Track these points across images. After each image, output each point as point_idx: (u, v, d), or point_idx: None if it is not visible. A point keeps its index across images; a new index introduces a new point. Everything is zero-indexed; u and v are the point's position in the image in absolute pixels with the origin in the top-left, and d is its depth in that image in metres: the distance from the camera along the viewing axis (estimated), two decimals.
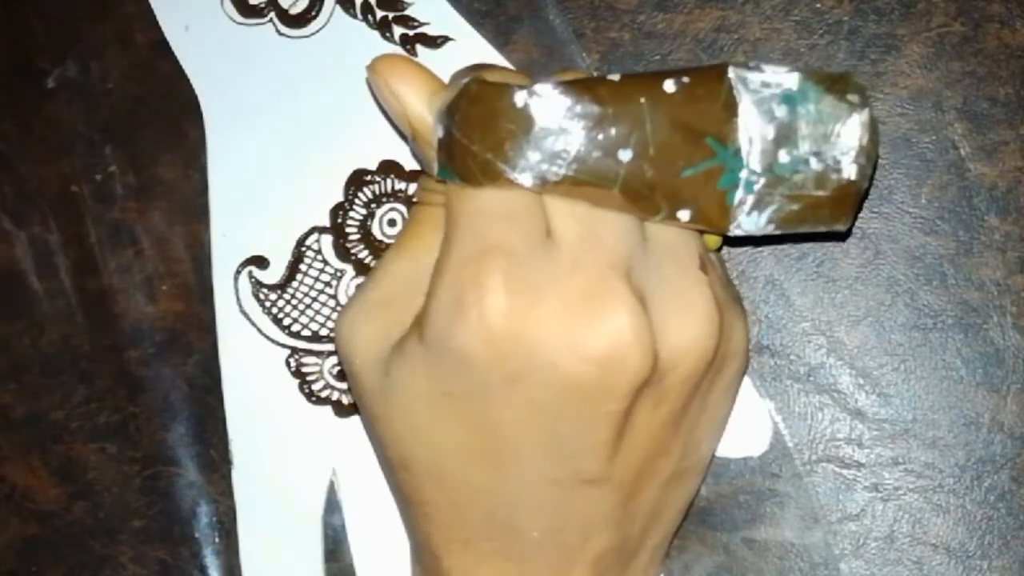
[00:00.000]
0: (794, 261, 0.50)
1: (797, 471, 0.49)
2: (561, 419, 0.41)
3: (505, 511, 0.42)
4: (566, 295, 0.40)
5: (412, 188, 0.51)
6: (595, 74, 0.49)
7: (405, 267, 0.43)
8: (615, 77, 0.41)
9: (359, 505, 0.50)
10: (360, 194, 0.51)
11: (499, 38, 0.50)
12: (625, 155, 0.40)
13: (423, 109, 0.42)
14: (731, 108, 0.41)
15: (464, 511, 0.43)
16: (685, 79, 0.41)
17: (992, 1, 0.49)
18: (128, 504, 0.51)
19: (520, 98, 0.40)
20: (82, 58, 0.52)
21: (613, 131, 0.40)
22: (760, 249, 0.50)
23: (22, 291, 0.52)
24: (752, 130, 0.41)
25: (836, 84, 0.42)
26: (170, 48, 0.51)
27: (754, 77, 0.41)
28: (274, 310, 0.51)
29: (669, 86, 0.41)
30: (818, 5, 0.50)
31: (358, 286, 0.45)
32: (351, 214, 0.51)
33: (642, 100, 0.40)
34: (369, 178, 0.51)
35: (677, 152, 0.41)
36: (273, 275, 0.51)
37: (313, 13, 0.51)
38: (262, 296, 0.51)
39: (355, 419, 0.50)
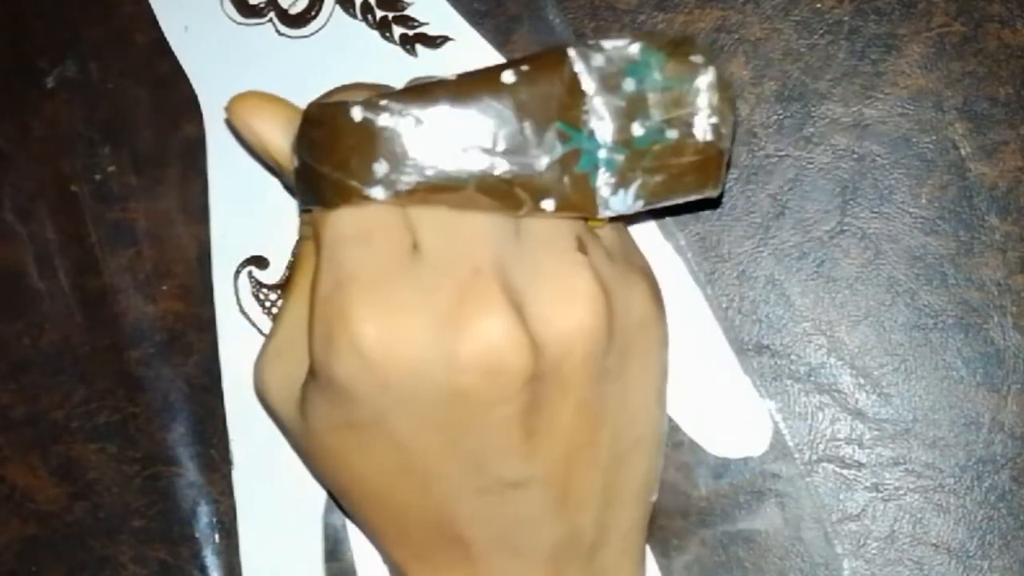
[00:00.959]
0: (794, 261, 0.50)
1: (797, 471, 0.49)
2: (462, 432, 0.40)
3: (446, 524, 0.42)
4: (434, 307, 0.39)
5: None
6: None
7: (298, 306, 0.43)
8: (452, 77, 0.40)
9: None
10: None
11: (499, 38, 0.50)
12: (474, 153, 0.40)
13: (282, 141, 0.42)
14: (576, 90, 0.40)
15: (409, 528, 0.43)
16: (524, 67, 0.40)
17: (992, 1, 0.49)
18: (128, 504, 0.51)
19: (358, 112, 0.40)
20: (82, 58, 0.52)
21: (458, 131, 0.40)
22: (760, 249, 0.50)
23: (22, 291, 0.52)
24: (602, 108, 0.40)
25: (679, 48, 0.41)
26: (170, 48, 0.51)
27: (595, 55, 0.40)
28: (274, 310, 0.51)
29: (508, 77, 0.40)
30: (818, 5, 0.50)
31: (266, 336, 0.45)
32: None
33: (483, 95, 0.40)
34: None
35: (528, 143, 0.40)
36: (273, 275, 0.51)
37: (313, 13, 0.51)
38: (262, 296, 0.51)
39: None
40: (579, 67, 0.40)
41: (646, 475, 0.45)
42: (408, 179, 0.40)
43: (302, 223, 0.44)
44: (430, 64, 0.50)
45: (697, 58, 0.41)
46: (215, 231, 0.51)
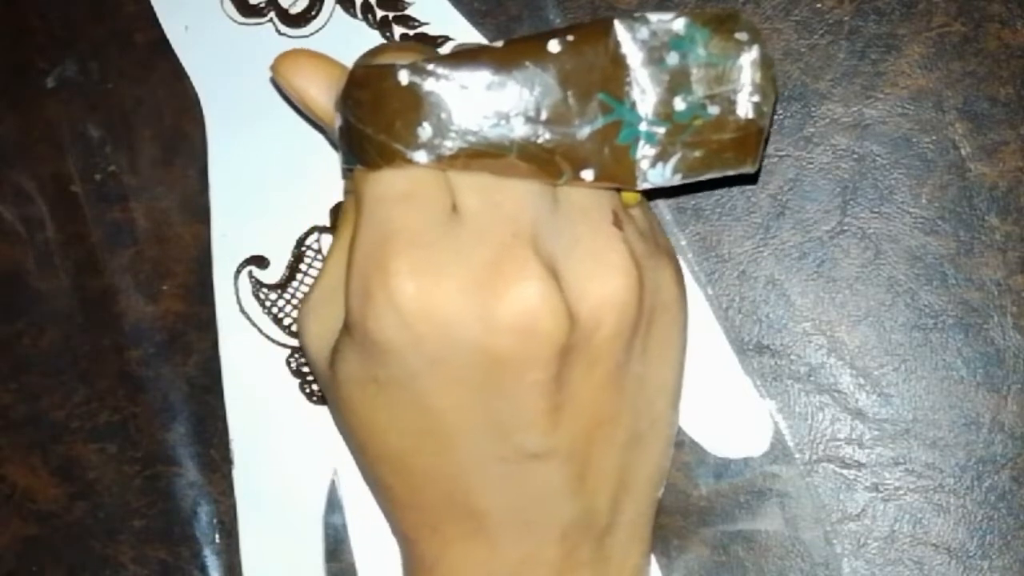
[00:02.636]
0: (794, 261, 0.50)
1: (798, 471, 0.49)
2: (491, 395, 0.41)
3: (461, 492, 0.42)
4: (472, 269, 0.40)
5: None
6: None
7: (339, 259, 0.43)
8: (499, 44, 0.41)
9: (360, 504, 0.50)
10: None
11: (499, 38, 0.50)
12: (517, 121, 0.40)
13: (326, 101, 0.43)
14: (621, 62, 0.41)
15: (423, 495, 0.43)
16: (570, 37, 0.40)
17: (992, 1, 0.49)
18: (128, 504, 0.51)
19: (404, 76, 0.40)
20: (82, 58, 0.52)
21: (502, 98, 0.40)
22: (760, 249, 0.50)
23: (22, 291, 0.52)
24: (645, 81, 0.41)
25: (724, 24, 0.41)
26: (170, 48, 0.51)
27: (641, 27, 0.41)
28: (274, 310, 0.51)
29: (554, 46, 0.40)
30: (818, 5, 0.50)
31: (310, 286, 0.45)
32: None
33: (528, 63, 0.40)
34: None
35: (571, 112, 0.40)
36: (273, 275, 0.51)
37: (313, 13, 0.51)
38: (262, 296, 0.51)
39: None
40: (624, 39, 0.41)
41: (659, 460, 0.45)
42: (451, 144, 0.40)
43: (345, 180, 0.44)
44: None
45: (742, 35, 0.41)
46: (215, 231, 0.51)
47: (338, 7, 0.51)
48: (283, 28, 0.51)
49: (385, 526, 0.49)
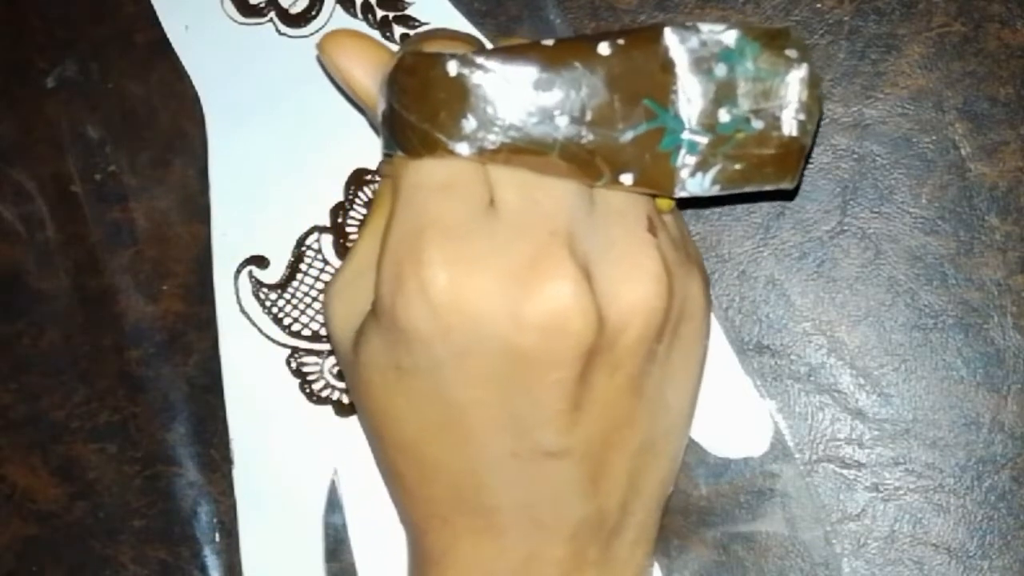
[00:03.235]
0: (794, 261, 0.50)
1: (798, 471, 0.49)
2: (513, 391, 0.41)
3: (473, 486, 0.42)
4: (506, 264, 0.40)
5: None
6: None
7: (372, 244, 0.43)
8: (549, 42, 0.41)
9: (360, 504, 0.50)
10: (360, 193, 0.51)
11: (499, 38, 0.50)
12: (562, 120, 0.40)
13: (370, 83, 0.43)
14: (669, 69, 0.41)
15: (435, 486, 0.43)
16: (620, 41, 0.40)
17: (992, 1, 0.49)
18: (128, 504, 0.51)
19: (453, 67, 0.40)
20: (82, 58, 0.52)
21: (548, 96, 0.40)
22: (760, 249, 0.50)
23: (22, 291, 0.51)
24: (691, 90, 0.41)
25: (774, 40, 0.41)
26: (170, 48, 0.51)
27: (691, 36, 0.41)
28: (274, 310, 0.51)
29: (604, 49, 0.40)
30: (818, 5, 0.50)
31: (339, 266, 0.45)
32: (351, 213, 0.51)
33: (577, 64, 0.40)
34: (369, 177, 0.51)
35: (615, 116, 0.40)
36: (273, 275, 0.51)
37: (313, 13, 0.51)
38: (262, 296, 0.51)
39: (356, 419, 0.50)
40: (674, 47, 0.41)
41: (670, 465, 0.45)
42: (494, 138, 0.40)
43: (383, 163, 0.44)
44: None
45: (791, 52, 0.41)
46: (216, 231, 0.51)
47: (338, 7, 0.51)
48: (283, 28, 0.51)
49: (385, 526, 0.49)
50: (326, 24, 0.51)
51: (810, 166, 0.49)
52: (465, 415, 0.41)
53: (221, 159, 0.51)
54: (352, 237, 0.51)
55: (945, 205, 0.49)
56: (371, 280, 0.42)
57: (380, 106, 0.42)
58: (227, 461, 0.51)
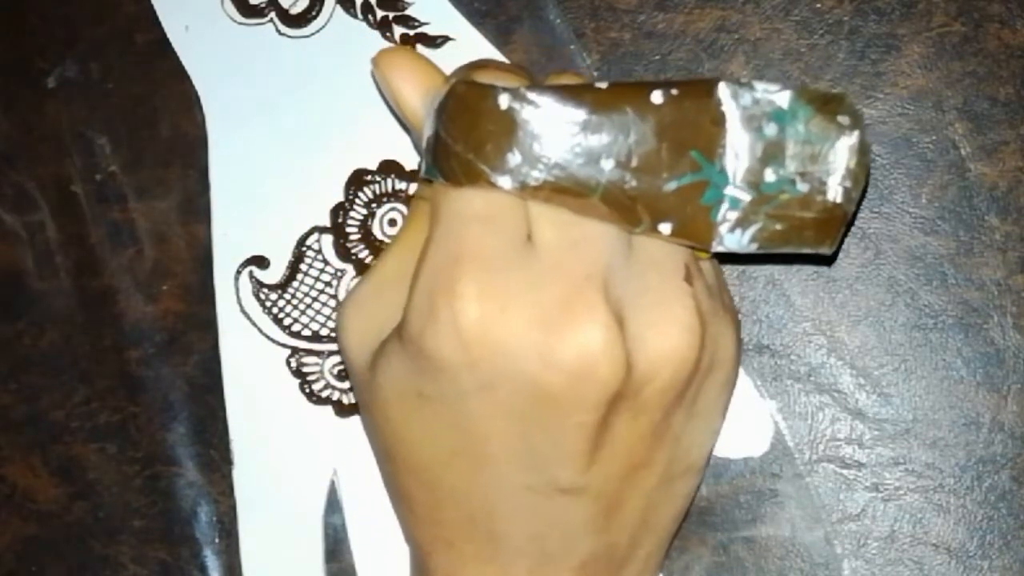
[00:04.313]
0: (794, 261, 0.50)
1: (798, 471, 0.49)
2: (534, 427, 0.40)
3: (484, 514, 0.42)
4: (540, 303, 0.39)
5: (413, 188, 0.51)
6: (591, 78, 0.49)
7: (398, 262, 0.43)
8: (603, 85, 0.40)
9: (360, 505, 0.50)
10: (360, 194, 0.51)
11: (499, 38, 0.50)
12: (607, 164, 0.40)
13: (418, 106, 0.42)
14: (719, 123, 0.40)
15: (445, 510, 0.43)
16: (674, 91, 0.40)
17: (992, 1, 0.49)
18: (128, 504, 0.51)
19: (504, 100, 0.40)
20: (82, 58, 0.52)
21: (596, 139, 0.40)
22: None
23: (22, 291, 0.51)
24: (739, 147, 0.41)
25: (828, 104, 0.41)
26: (170, 48, 0.51)
27: (745, 93, 0.41)
28: (275, 310, 0.51)
29: (657, 97, 0.40)
30: (818, 5, 0.50)
31: (359, 280, 0.45)
32: (351, 214, 0.51)
33: (628, 109, 0.40)
34: (369, 178, 0.51)
35: (661, 164, 0.40)
36: (274, 275, 0.51)
37: (313, 13, 0.51)
38: (263, 296, 0.51)
39: (355, 419, 0.50)
40: (727, 101, 0.40)
41: (684, 503, 0.45)
42: (538, 175, 0.40)
43: (421, 186, 0.44)
44: None
45: (844, 119, 0.41)
46: (216, 231, 0.51)
47: (338, 7, 0.51)
48: (283, 28, 0.51)
49: (385, 526, 0.49)
50: (326, 24, 0.51)
51: None
52: (484, 445, 0.41)
53: (221, 159, 0.51)
54: (352, 237, 0.51)
55: (945, 205, 0.49)
56: (394, 297, 0.42)
57: (426, 131, 0.41)
58: (227, 461, 0.51)
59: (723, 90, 0.40)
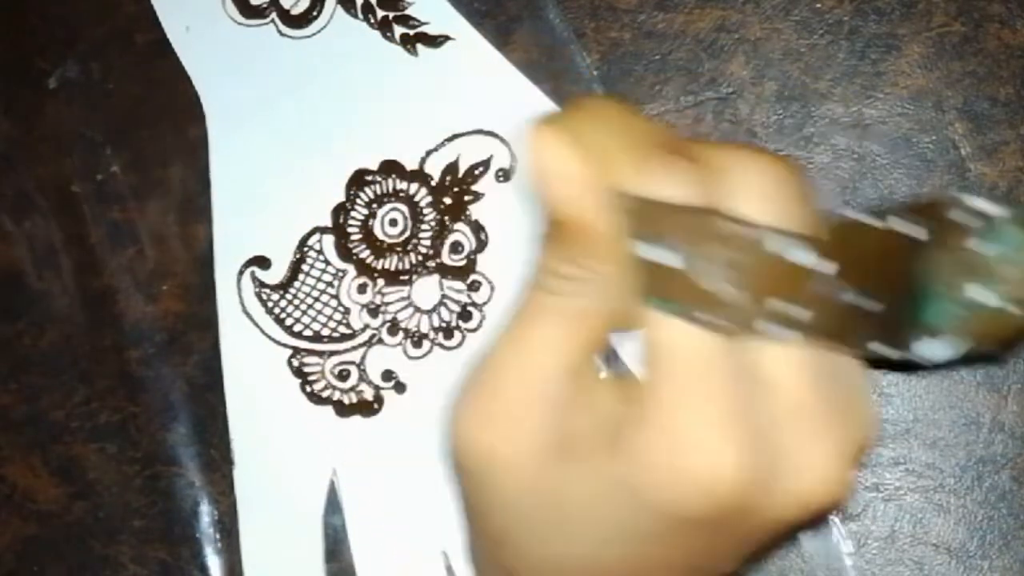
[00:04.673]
0: None
1: None
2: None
3: None
4: (765, 438, 0.36)
5: (413, 188, 0.50)
6: (591, 78, 0.48)
7: (519, 367, 0.37)
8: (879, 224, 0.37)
9: (360, 505, 0.50)
10: (361, 194, 0.51)
11: (499, 38, 0.50)
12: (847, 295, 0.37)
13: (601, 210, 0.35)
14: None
15: None
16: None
17: (992, 1, 0.49)
18: (128, 504, 0.51)
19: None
20: (83, 58, 0.52)
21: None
22: None
23: (22, 291, 0.51)
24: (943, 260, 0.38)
25: None
26: (171, 48, 0.51)
27: (955, 209, 0.38)
28: (276, 310, 0.51)
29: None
30: (818, 5, 0.50)
31: (465, 378, 0.38)
32: (352, 214, 0.51)
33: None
34: (370, 178, 0.51)
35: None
36: (275, 275, 0.51)
37: (314, 13, 0.51)
38: (264, 296, 0.51)
39: (355, 419, 0.50)
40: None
41: None
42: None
43: (553, 276, 0.36)
44: (430, 63, 0.50)
45: None
46: (218, 231, 0.51)
47: (339, 8, 0.51)
48: (284, 29, 0.51)
49: (384, 526, 0.49)
50: (327, 25, 0.51)
51: (810, 166, 0.50)
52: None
53: (222, 159, 0.51)
54: (354, 237, 0.51)
55: None
56: (524, 406, 0.36)
57: (646, 252, 0.35)
58: (227, 461, 0.51)
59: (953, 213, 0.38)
